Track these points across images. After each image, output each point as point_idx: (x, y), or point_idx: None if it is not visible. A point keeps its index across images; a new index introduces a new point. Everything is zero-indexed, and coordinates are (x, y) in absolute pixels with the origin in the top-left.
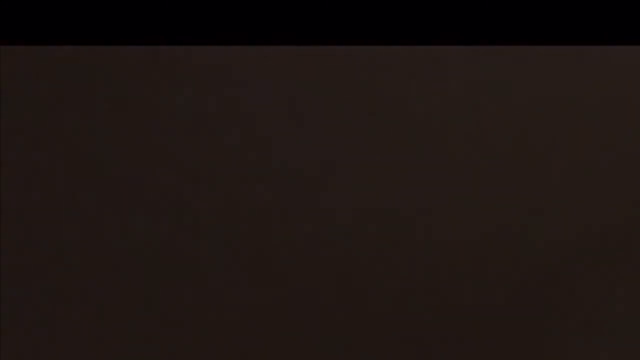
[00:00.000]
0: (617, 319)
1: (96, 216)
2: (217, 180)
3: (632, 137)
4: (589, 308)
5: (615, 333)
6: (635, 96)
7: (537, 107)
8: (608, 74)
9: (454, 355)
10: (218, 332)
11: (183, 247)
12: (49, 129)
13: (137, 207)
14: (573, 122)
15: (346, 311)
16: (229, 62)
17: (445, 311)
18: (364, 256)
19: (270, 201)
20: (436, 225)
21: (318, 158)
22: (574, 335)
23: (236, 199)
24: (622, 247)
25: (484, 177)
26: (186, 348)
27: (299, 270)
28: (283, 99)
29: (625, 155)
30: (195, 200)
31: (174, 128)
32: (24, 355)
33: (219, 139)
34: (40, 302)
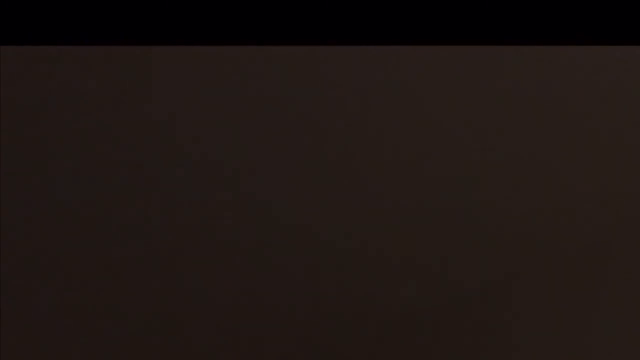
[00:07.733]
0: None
1: (96, 216)
2: (217, 180)
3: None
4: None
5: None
6: (635, 96)
7: (530, 110)
8: (608, 74)
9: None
10: (217, 332)
11: (180, 246)
12: (49, 129)
13: (136, 207)
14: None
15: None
16: (229, 61)
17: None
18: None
19: (268, 202)
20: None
21: (318, 158)
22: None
23: (241, 199)
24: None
25: (484, 178)
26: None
27: (294, 269)
28: (283, 99)
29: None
30: (193, 200)
31: (173, 128)
32: (24, 355)
33: (219, 139)
34: (39, 302)
